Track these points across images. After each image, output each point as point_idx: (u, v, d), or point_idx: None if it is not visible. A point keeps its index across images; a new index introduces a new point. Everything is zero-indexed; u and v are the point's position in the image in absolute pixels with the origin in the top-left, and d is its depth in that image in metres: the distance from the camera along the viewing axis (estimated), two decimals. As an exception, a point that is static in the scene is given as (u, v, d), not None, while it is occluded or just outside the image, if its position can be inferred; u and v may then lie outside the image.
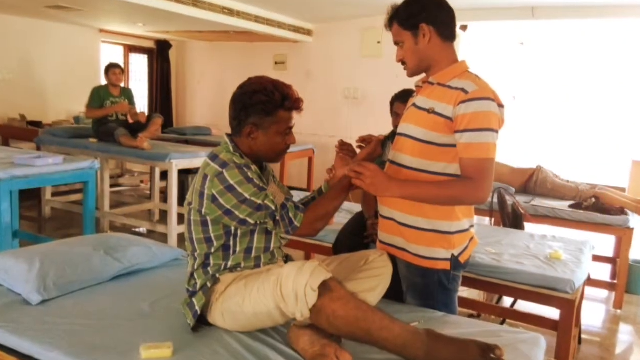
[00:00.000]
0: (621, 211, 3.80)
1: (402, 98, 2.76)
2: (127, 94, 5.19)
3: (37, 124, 6.05)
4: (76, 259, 2.06)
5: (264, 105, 1.68)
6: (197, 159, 4.51)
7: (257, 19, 5.94)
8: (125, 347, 1.55)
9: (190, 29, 6.75)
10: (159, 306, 1.87)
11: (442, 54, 1.80)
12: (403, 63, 1.87)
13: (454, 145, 1.72)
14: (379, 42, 6.32)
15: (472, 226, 1.89)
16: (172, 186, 4.32)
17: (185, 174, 4.85)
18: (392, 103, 2.90)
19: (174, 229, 4.33)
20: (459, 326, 1.76)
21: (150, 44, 8.15)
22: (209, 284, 1.70)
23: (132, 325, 1.71)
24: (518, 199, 3.90)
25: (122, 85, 5.18)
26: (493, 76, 4.06)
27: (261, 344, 1.59)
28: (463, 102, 1.68)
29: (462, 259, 1.83)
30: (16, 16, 6.18)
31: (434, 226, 1.80)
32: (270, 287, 1.51)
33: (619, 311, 3.74)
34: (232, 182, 1.63)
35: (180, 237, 4.25)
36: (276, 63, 7.33)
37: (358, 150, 2.00)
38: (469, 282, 2.54)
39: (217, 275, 1.71)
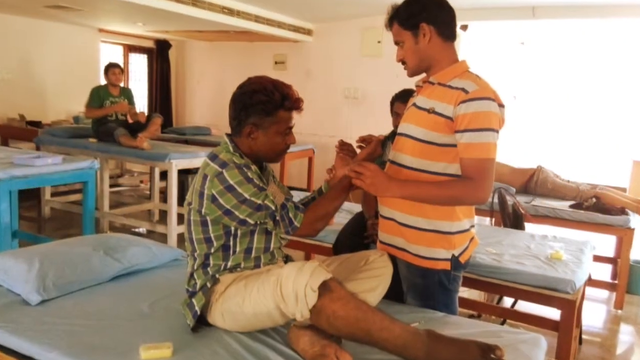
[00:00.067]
0: (622, 211, 3.80)
1: (402, 98, 2.76)
2: (126, 93, 5.18)
3: (37, 124, 6.04)
4: (76, 259, 2.06)
5: (263, 105, 1.68)
6: (196, 159, 4.50)
7: (257, 19, 5.93)
8: (125, 348, 1.55)
9: (190, 29, 6.74)
10: (158, 306, 1.87)
11: (443, 54, 1.80)
12: (403, 63, 1.87)
13: (454, 145, 1.72)
14: (379, 42, 6.32)
15: (472, 226, 1.88)
16: (171, 186, 4.32)
17: (185, 174, 4.85)
18: (392, 103, 2.90)
19: (174, 229, 4.33)
20: (460, 326, 1.76)
21: (149, 44, 8.14)
22: (208, 284, 1.70)
23: (132, 325, 1.71)
24: (518, 199, 3.89)
25: (122, 85, 5.17)
26: (493, 76, 4.05)
27: (261, 344, 1.59)
28: (463, 101, 1.68)
29: (462, 259, 1.83)
30: (16, 16, 6.18)
31: (434, 226, 1.79)
32: (270, 287, 1.51)
33: (619, 311, 3.74)
34: (231, 182, 1.63)
35: (180, 237, 4.25)
36: (276, 63, 7.33)
37: (358, 150, 2.00)
38: (470, 283, 2.54)
39: (217, 276, 1.71)
